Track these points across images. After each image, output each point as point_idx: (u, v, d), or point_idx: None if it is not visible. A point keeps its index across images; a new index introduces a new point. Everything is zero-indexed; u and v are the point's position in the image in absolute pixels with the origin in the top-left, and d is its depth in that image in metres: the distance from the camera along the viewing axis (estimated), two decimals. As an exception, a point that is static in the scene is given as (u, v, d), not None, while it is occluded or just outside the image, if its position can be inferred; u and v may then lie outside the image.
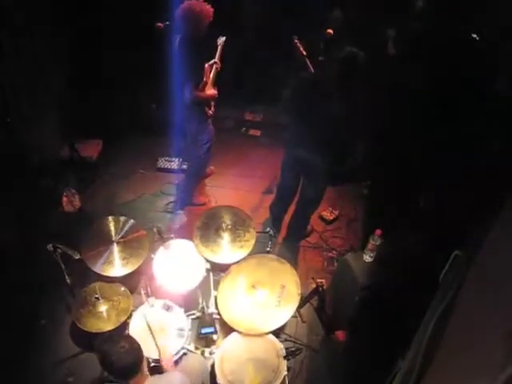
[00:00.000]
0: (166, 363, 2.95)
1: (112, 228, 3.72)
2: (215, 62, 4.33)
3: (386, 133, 4.51)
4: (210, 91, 4.25)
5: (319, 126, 3.56)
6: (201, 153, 4.59)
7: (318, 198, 4.32)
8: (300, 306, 3.90)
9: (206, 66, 4.18)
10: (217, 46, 4.43)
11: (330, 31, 5.09)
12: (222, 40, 4.47)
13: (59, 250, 3.41)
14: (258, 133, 6.21)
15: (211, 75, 4.27)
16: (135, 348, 2.46)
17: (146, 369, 2.54)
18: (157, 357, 3.04)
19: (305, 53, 4.64)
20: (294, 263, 4.33)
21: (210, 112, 4.36)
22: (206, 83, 4.19)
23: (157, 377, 2.63)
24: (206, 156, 4.69)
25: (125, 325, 3.42)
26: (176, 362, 3.13)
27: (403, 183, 4.28)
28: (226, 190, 5.31)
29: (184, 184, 5.02)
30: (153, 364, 3.09)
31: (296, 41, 4.70)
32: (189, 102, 4.06)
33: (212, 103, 4.35)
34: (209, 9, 3.90)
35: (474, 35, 4.06)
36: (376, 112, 4.35)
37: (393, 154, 4.46)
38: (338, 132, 3.59)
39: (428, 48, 4.39)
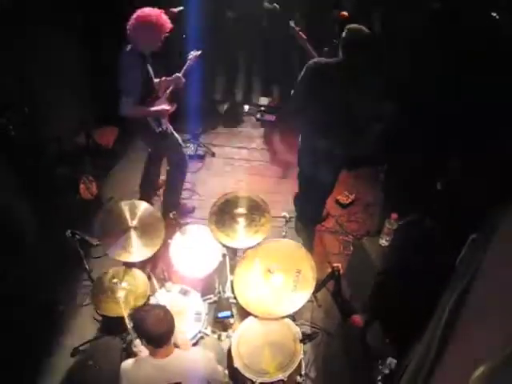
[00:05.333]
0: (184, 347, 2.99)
1: (129, 214, 3.74)
2: (178, 77, 4.04)
3: (403, 116, 4.45)
4: (162, 107, 3.92)
5: (332, 110, 3.54)
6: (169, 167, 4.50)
7: (332, 181, 4.30)
8: (316, 291, 3.90)
9: (163, 79, 3.97)
10: (185, 60, 4.12)
11: (345, 13, 5.00)
12: (194, 54, 4.14)
13: (77, 237, 3.45)
14: (273, 118, 6.17)
15: (168, 90, 4.02)
16: (169, 317, 2.54)
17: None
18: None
19: (304, 37, 4.52)
20: (310, 247, 4.33)
21: (159, 129, 3.99)
22: (157, 98, 3.95)
23: (181, 351, 2.67)
24: (174, 169, 4.51)
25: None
26: (193, 346, 3.17)
27: (420, 167, 4.24)
28: (241, 175, 5.32)
29: (170, 188, 4.72)
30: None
31: (293, 26, 4.55)
32: (122, 115, 3.74)
33: (162, 120, 3.99)
34: (166, 22, 3.58)
35: (494, 14, 3.96)
36: (391, 95, 4.29)
37: (410, 138, 4.41)
38: (351, 114, 3.56)
39: (448, 29, 4.29)
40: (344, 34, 3.49)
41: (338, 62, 3.60)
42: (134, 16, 3.55)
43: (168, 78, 4.02)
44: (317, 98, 3.67)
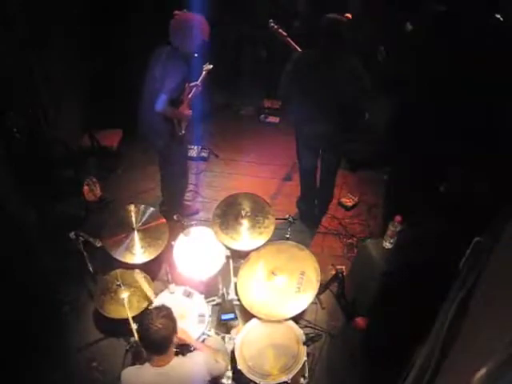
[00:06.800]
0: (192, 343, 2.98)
1: (133, 216, 3.75)
2: (197, 85, 4.02)
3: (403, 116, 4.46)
4: (186, 111, 3.98)
5: (316, 97, 3.67)
6: (174, 171, 4.47)
7: (338, 164, 4.45)
8: (320, 293, 3.90)
9: (187, 85, 3.94)
10: (201, 71, 4.11)
11: (349, 15, 5.01)
12: (208, 67, 4.13)
13: (81, 238, 3.47)
14: (276, 120, 6.17)
15: (190, 96, 3.99)
16: (170, 325, 2.51)
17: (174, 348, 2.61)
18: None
19: (285, 34, 4.54)
20: (314, 250, 4.31)
21: (181, 133, 4.10)
22: (182, 102, 3.94)
23: (181, 358, 2.66)
24: (181, 174, 4.51)
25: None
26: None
27: (424, 169, 4.23)
28: (245, 177, 5.32)
29: (168, 198, 4.74)
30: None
31: (272, 24, 4.52)
32: (157, 113, 3.74)
33: (183, 124, 4.09)
34: (207, 25, 3.74)
35: (498, 16, 3.95)
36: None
37: (414, 140, 4.40)
38: (334, 101, 3.67)
39: (450, 30, 4.29)
40: (320, 23, 3.59)
41: (317, 51, 3.73)
42: (181, 18, 3.68)
43: (191, 84, 4.00)
44: (301, 86, 3.76)
